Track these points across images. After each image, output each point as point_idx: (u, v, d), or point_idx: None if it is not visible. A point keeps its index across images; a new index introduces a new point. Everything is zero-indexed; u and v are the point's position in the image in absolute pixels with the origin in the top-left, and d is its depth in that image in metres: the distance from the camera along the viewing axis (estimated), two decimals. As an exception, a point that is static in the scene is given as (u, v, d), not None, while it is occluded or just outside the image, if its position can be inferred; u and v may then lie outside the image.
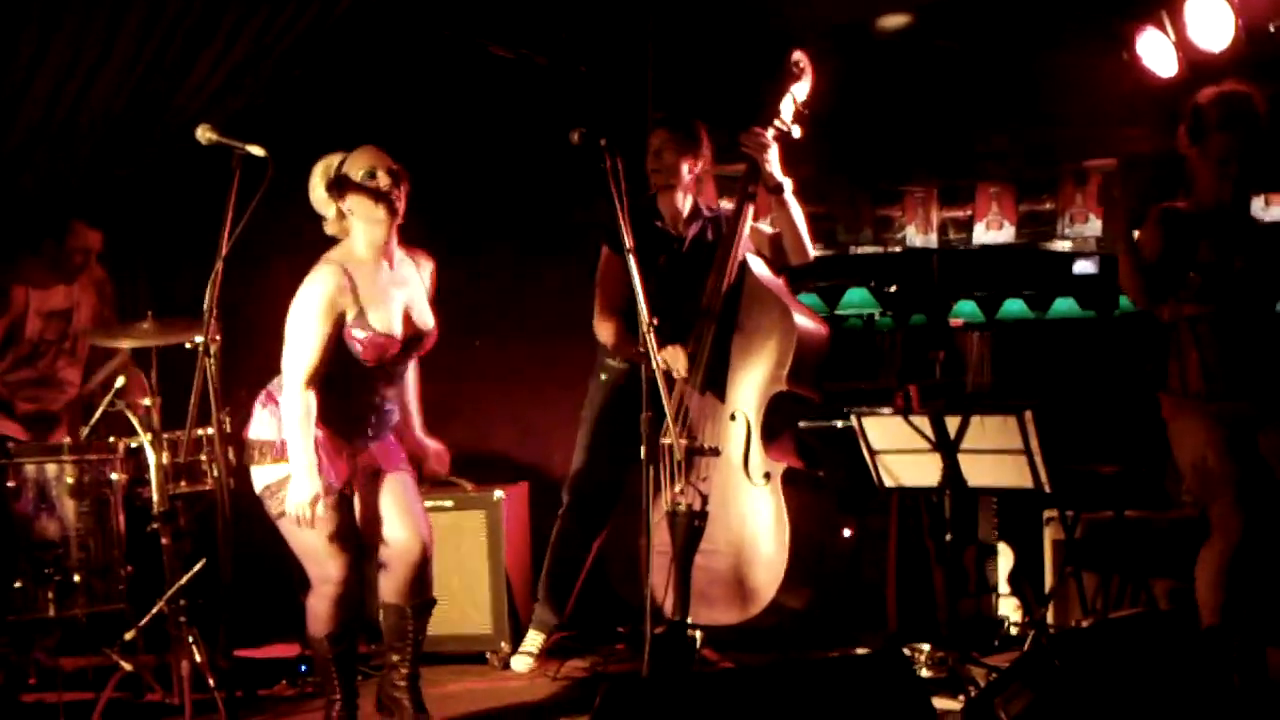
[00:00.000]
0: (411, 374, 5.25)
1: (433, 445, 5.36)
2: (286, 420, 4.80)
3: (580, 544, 6.38)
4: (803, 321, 5.92)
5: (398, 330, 4.92)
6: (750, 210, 5.99)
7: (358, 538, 4.99)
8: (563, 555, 6.41)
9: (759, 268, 6.02)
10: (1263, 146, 5.09)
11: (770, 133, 5.96)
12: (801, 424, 6.30)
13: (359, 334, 4.83)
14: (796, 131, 6.04)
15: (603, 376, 6.35)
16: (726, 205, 6.49)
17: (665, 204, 6.24)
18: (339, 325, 4.82)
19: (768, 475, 5.78)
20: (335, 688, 4.99)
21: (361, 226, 4.92)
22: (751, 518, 5.79)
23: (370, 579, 5.20)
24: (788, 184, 5.99)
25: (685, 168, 6.16)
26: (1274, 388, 5.07)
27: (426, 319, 5.07)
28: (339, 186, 4.88)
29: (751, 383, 5.88)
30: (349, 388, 4.93)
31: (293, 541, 4.93)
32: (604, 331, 6.18)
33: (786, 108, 6.01)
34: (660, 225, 6.22)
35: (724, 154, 6.21)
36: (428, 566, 5.09)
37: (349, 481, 4.96)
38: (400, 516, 5.04)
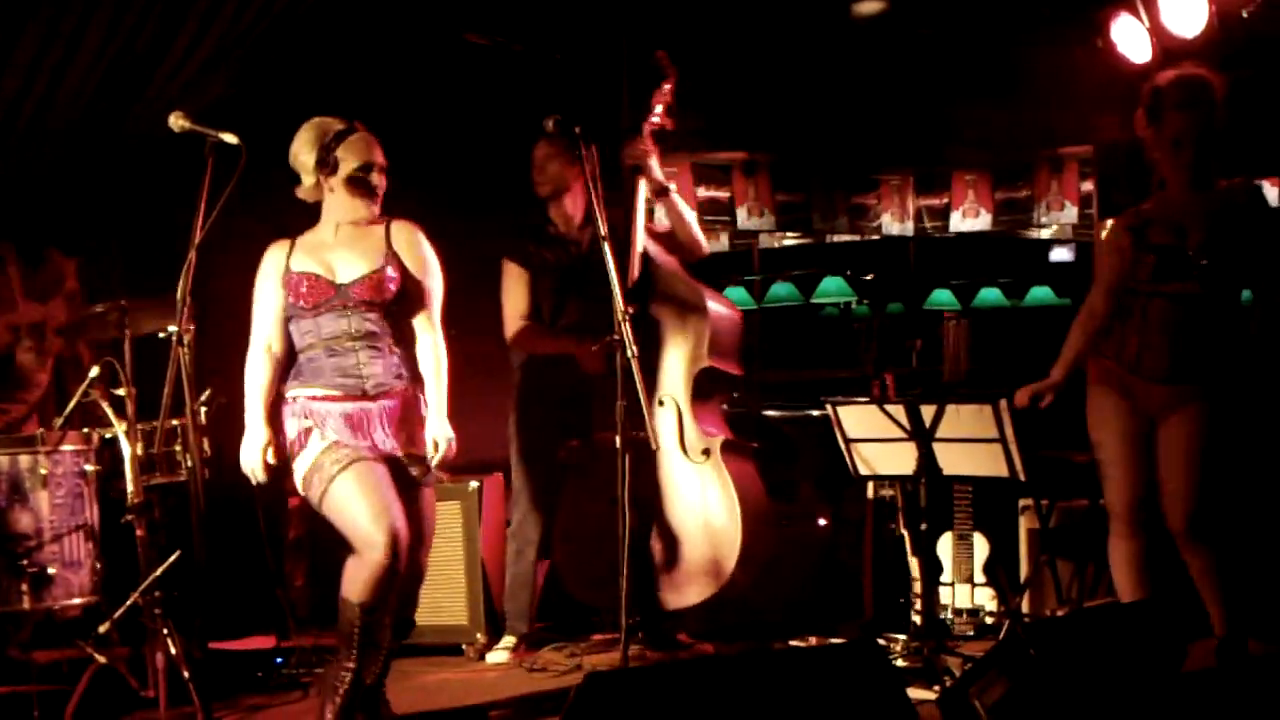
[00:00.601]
0: (429, 353, 5.18)
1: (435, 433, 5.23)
2: (246, 382, 4.95)
3: (533, 558, 6.42)
4: (712, 300, 6.08)
5: (323, 272, 4.93)
6: (640, 199, 6.08)
7: (401, 512, 4.85)
8: (517, 572, 6.44)
9: (659, 254, 6.15)
10: (1219, 130, 5.11)
11: (648, 137, 6.09)
12: (774, 413, 6.36)
13: (290, 281, 4.92)
14: (668, 125, 6.17)
15: (524, 384, 6.46)
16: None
17: (557, 212, 6.37)
18: (281, 289, 4.96)
19: (706, 451, 5.93)
20: (351, 655, 4.82)
21: (335, 207, 5.00)
22: (700, 495, 5.92)
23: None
24: (671, 186, 6.18)
25: (570, 176, 6.24)
26: (1208, 375, 5.12)
27: (364, 265, 4.98)
28: (330, 167, 4.94)
29: (675, 366, 6.03)
30: (325, 345, 4.95)
31: (338, 521, 4.83)
32: (511, 335, 6.32)
33: (658, 104, 6.11)
34: (554, 231, 6.35)
35: (704, 140, 6.28)
36: (417, 593, 5.17)
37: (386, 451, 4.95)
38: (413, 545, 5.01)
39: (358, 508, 4.77)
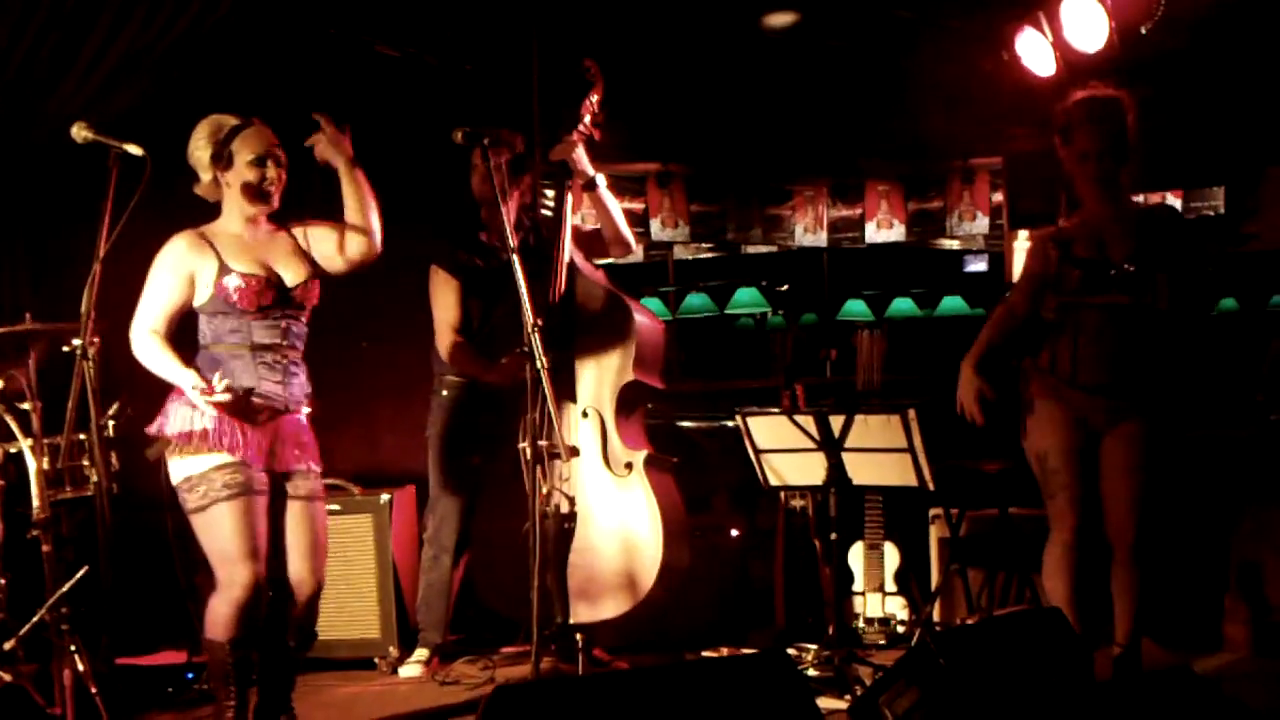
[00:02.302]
0: None
1: None
2: (147, 360, 4.80)
3: (449, 565, 6.41)
4: (638, 313, 6.10)
5: (264, 274, 4.91)
6: (569, 211, 6.10)
7: (267, 545, 4.89)
8: (432, 579, 6.43)
9: (585, 266, 6.17)
10: (1130, 146, 5.20)
11: (574, 136, 6.07)
12: (689, 423, 6.38)
13: (229, 282, 4.83)
14: (595, 135, 6.17)
15: (444, 393, 6.45)
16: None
17: (488, 218, 6.35)
18: (190, 283, 4.86)
19: (629, 465, 5.95)
20: (230, 694, 4.88)
21: (233, 202, 4.96)
22: (621, 508, 5.92)
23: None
24: (600, 179, 6.16)
25: (510, 186, 6.23)
26: (1145, 389, 5.19)
27: (300, 269, 5.02)
28: (225, 161, 4.90)
29: (600, 378, 6.03)
30: (253, 351, 4.90)
31: (205, 540, 4.84)
32: (449, 352, 6.30)
33: (586, 113, 6.12)
34: (486, 238, 6.38)
35: (618, 151, 6.29)
36: (317, 603, 5.09)
37: (258, 460, 4.87)
38: (304, 555, 5.01)
39: (230, 542, 4.78)
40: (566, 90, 6.21)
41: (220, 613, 4.83)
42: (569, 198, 6.10)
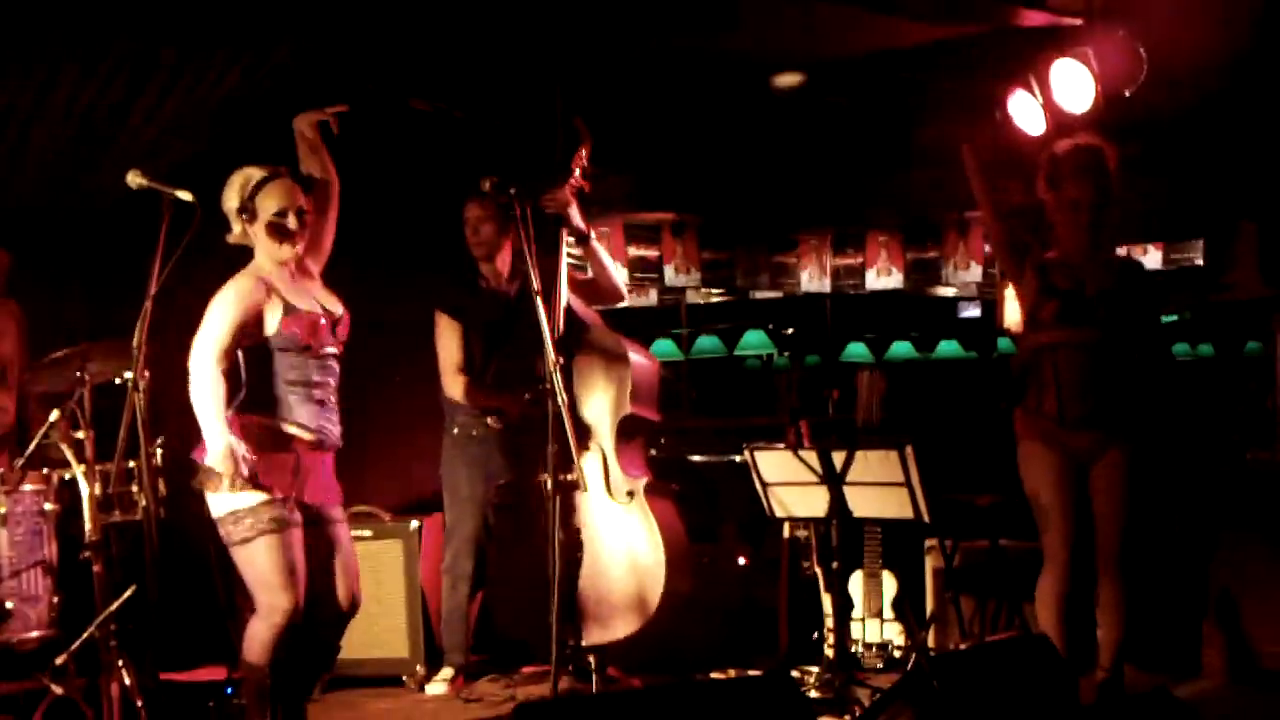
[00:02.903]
0: None
1: None
2: (202, 393, 4.73)
3: (466, 592, 6.42)
4: (632, 350, 6.12)
5: (320, 312, 4.95)
6: (564, 256, 6.06)
7: (306, 570, 4.90)
8: (451, 606, 6.44)
9: (580, 307, 6.16)
10: (1112, 195, 5.25)
11: (567, 190, 6.08)
12: (699, 458, 6.40)
13: (297, 320, 4.85)
14: (585, 187, 6.17)
15: (455, 430, 6.47)
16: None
17: (488, 267, 6.46)
18: (257, 320, 4.84)
19: (631, 493, 5.95)
20: (265, 712, 4.90)
21: (261, 251, 4.96)
22: (625, 535, 5.94)
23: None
24: (592, 234, 6.18)
25: (502, 237, 6.36)
26: (1126, 418, 5.20)
27: (337, 306, 5.08)
28: (250, 214, 4.91)
29: (599, 413, 6.03)
30: (308, 388, 4.91)
31: (246, 569, 4.86)
32: (456, 389, 6.34)
33: (576, 166, 6.15)
34: (485, 285, 6.44)
35: (635, 201, 6.31)
36: (348, 622, 5.13)
37: (296, 500, 4.88)
38: (346, 579, 5.05)
39: (274, 573, 4.80)
40: (556, 146, 6.28)
41: (262, 638, 4.85)
42: (563, 245, 6.08)
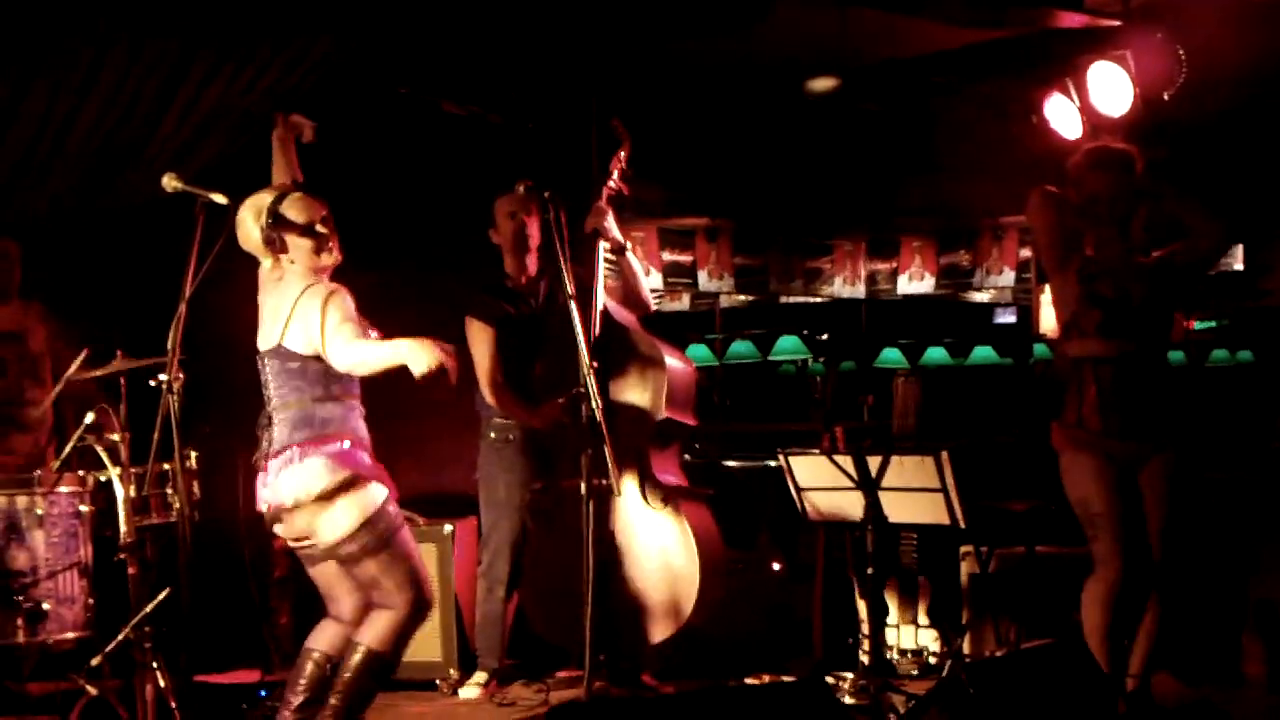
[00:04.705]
0: None
1: None
2: (365, 356, 4.58)
3: (502, 596, 6.36)
4: (669, 355, 6.06)
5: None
6: (601, 268, 6.06)
7: None
8: (487, 610, 6.39)
9: (617, 311, 6.13)
10: (1140, 193, 5.15)
11: (605, 199, 6.10)
12: (735, 463, 6.35)
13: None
14: (624, 190, 6.20)
15: (491, 435, 6.40)
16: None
17: (514, 265, 6.37)
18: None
19: (665, 498, 5.90)
20: (354, 700, 4.73)
21: (302, 267, 4.71)
22: (660, 540, 5.88)
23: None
24: (628, 245, 6.18)
25: (531, 233, 6.27)
26: (1165, 427, 5.14)
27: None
28: (279, 230, 4.65)
29: (635, 418, 5.97)
30: (358, 401, 4.83)
31: (395, 569, 4.66)
32: (493, 396, 6.24)
33: (615, 169, 6.15)
34: (511, 285, 6.35)
35: (669, 207, 6.30)
36: None
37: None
38: None
39: (418, 562, 4.74)
40: (606, 151, 6.26)
41: (393, 628, 4.67)
42: (600, 249, 6.07)
